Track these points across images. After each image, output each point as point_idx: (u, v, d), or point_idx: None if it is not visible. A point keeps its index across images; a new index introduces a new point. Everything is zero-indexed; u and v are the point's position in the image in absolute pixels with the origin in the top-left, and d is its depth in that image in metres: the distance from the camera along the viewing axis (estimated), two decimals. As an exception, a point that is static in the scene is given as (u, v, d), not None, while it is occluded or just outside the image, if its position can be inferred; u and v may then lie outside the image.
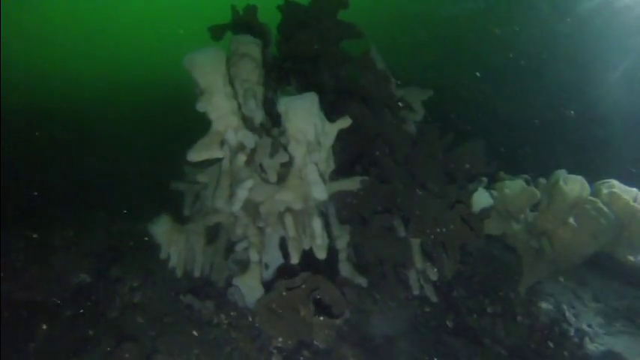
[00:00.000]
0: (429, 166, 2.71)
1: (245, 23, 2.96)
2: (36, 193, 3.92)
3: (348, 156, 2.84)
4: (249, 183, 2.19)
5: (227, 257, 2.73)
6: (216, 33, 2.92)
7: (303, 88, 2.76)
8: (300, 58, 2.96)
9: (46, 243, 3.31)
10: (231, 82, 2.39)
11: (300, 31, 3.05)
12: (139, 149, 5.33)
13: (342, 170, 2.72)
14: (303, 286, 2.17)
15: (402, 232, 2.64)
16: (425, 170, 2.70)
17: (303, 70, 2.85)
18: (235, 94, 2.41)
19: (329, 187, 2.47)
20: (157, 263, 2.67)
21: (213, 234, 2.78)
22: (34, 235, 3.39)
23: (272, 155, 2.42)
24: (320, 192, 2.18)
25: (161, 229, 2.44)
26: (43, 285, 2.88)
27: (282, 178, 2.44)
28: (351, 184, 2.56)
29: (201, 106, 2.20)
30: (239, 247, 2.61)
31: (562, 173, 2.97)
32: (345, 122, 2.31)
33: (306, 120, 2.16)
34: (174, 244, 2.51)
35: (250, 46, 2.49)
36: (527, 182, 2.99)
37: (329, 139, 2.32)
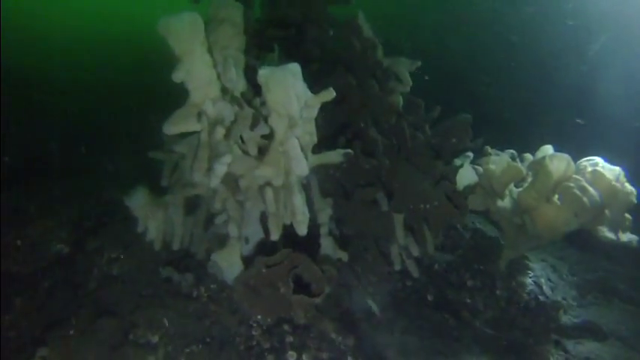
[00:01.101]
0: (414, 140, 2.66)
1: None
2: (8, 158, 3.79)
3: (332, 127, 2.76)
4: (227, 158, 2.11)
5: (207, 229, 2.68)
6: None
7: (286, 57, 2.64)
8: (284, 23, 2.81)
9: (20, 210, 3.23)
10: (210, 50, 2.27)
11: (285, -6, 2.89)
12: (127, 111, 5.15)
13: (324, 142, 2.65)
14: (284, 263, 2.14)
15: (385, 206, 2.61)
16: (410, 144, 2.64)
17: (287, 36, 2.71)
18: (214, 63, 2.29)
19: (311, 161, 2.41)
20: (136, 234, 2.62)
21: (192, 205, 2.72)
22: (8, 202, 3.30)
23: (252, 127, 2.33)
24: (301, 168, 2.11)
25: (138, 202, 2.37)
26: (18, 255, 2.82)
27: (262, 151, 2.37)
28: (334, 157, 2.49)
29: (177, 76, 2.08)
30: (219, 220, 2.56)
31: (548, 150, 2.94)
32: (328, 95, 2.21)
33: (287, 93, 2.06)
34: (152, 217, 2.44)
35: (230, 9, 2.35)
36: (513, 158, 2.96)
37: (312, 112, 2.23)
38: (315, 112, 2.26)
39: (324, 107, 2.40)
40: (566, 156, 2.74)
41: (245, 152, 2.38)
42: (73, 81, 6.45)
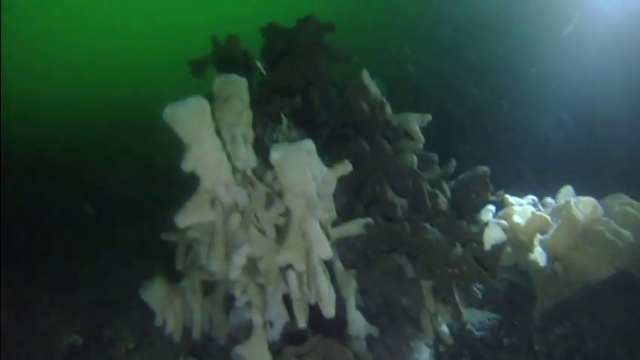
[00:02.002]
0: (433, 199, 2.56)
1: (227, 55, 2.75)
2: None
3: (347, 192, 2.67)
4: (246, 249, 2.01)
5: (226, 310, 2.56)
6: (197, 69, 2.71)
7: (295, 125, 2.57)
8: (288, 89, 2.76)
9: (30, 297, 3.11)
10: (217, 129, 2.20)
11: (286, 58, 2.85)
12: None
13: (341, 209, 2.56)
14: (315, 351, 2.01)
15: (410, 272, 2.49)
16: (430, 205, 2.54)
17: (291, 102, 2.65)
18: (223, 142, 2.22)
19: (331, 236, 2.32)
20: (153, 319, 2.50)
21: (209, 285, 2.61)
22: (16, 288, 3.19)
23: (267, 207, 2.24)
24: (324, 251, 2.00)
25: (154, 294, 2.26)
26: (28, 350, 2.69)
27: (279, 229, 2.28)
28: (355, 228, 2.40)
29: (187, 165, 1.99)
30: (239, 303, 2.44)
31: (569, 192, 2.84)
32: (345, 168, 2.14)
33: (303, 174, 1.97)
34: (170, 307, 2.33)
35: (235, 85, 2.29)
36: (535, 204, 2.86)
37: (329, 188, 2.15)
38: (332, 188, 2.18)
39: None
40: (591, 199, 2.64)
41: (261, 231, 2.29)
42: (80, 154, 6.36)
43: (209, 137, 2.05)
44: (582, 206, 2.59)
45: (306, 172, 1.97)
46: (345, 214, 2.56)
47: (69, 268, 3.39)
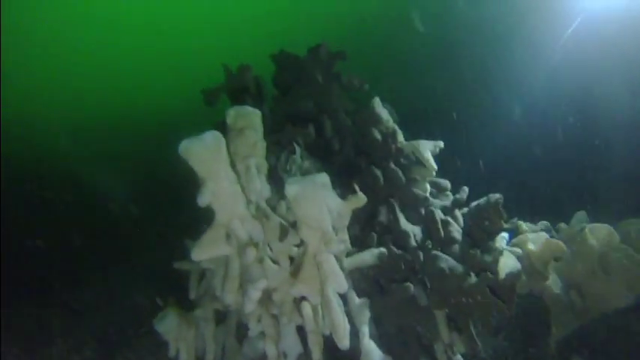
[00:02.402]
0: (446, 228, 2.55)
1: (240, 84, 2.78)
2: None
3: (360, 220, 2.67)
4: (262, 283, 2.01)
5: (239, 339, 2.55)
6: (210, 99, 2.74)
7: (308, 154, 2.59)
8: (300, 118, 2.78)
9: (42, 326, 3.11)
10: (231, 161, 2.22)
11: (298, 86, 2.88)
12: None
13: (354, 237, 2.56)
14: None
15: (423, 300, 2.48)
16: (443, 234, 2.54)
17: (304, 132, 2.66)
18: (237, 174, 2.23)
19: (345, 267, 2.32)
20: (165, 347, 2.49)
21: (221, 313, 2.61)
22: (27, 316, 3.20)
23: (281, 238, 2.25)
24: (340, 285, 2.00)
25: (168, 326, 2.26)
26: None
27: (293, 260, 2.28)
28: (369, 259, 2.40)
29: (203, 200, 2.00)
30: (252, 332, 2.43)
31: (583, 218, 2.83)
32: (359, 201, 2.14)
33: (319, 208, 1.98)
34: (183, 338, 2.32)
35: (250, 117, 2.31)
36: (548, 229, 2.84)
37: (344, 221, 2.16)
38: (347, 220, 2.18)
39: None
40: (606, 226, 2.62)
41: (275, 262, 2.29)
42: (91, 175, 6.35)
43: (224, 171, 2.06)
44: (597, 233, 2.57)
45: (321, 206, 1.98)
46: (358, 242, 2.56)
47: (80, 294, 3.40)
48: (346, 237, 2.23)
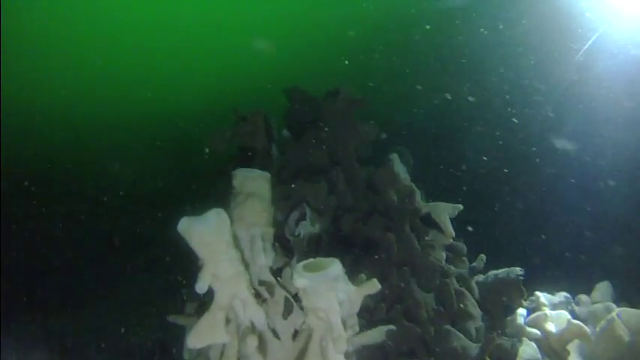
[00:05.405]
0: (461, 301, 2.40)
1: (250, 130, 2.57)
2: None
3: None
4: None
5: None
6: (217, 144, 2.54)
7: (317, 217, 2.40)
8: (311, 168, 2.58)
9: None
10: (235, 227, 2.05)
11: (311, 131, 2.67)
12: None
13: (363, 306, 2.40)
14: None
15: (432, 379, 2.35)
16: (457, 307, 2.38)
17: (316, 189, 2.47)
18: (239, 241, 2.07)
19: (352, 343, 2.17)
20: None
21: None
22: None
23: (285, 315, 2.10)
24: (347, 382, 1.85)
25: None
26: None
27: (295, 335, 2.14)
28: (376, 336, 2.25)
29: (202, 286, 1.83)
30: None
31: (607, 290, 2.66)
32: (372, 287, 1.98)
33: (329, 301, 1.82)
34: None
35: (258, 183, 2.14)
36: (568, 302, 2.68)
37: (354, 307, 2.00)
38: (357, 307, 2.02)
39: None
40: (637, 311, 2.44)
41: (277, 337, 2.15)
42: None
43: (227, 252, 1.89)
44: (626, 318, 2.40)
45: (332, 301, 1.81)
46: (367, 310, 2.41)
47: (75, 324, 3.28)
48: (355, 322, 2.07)
